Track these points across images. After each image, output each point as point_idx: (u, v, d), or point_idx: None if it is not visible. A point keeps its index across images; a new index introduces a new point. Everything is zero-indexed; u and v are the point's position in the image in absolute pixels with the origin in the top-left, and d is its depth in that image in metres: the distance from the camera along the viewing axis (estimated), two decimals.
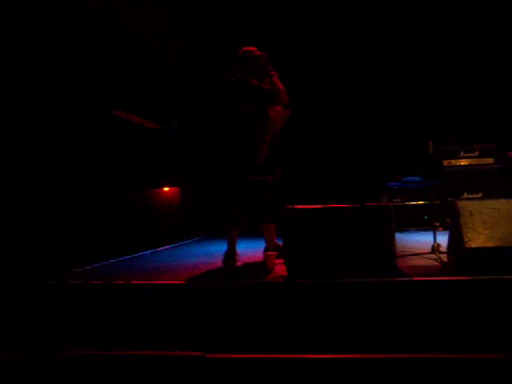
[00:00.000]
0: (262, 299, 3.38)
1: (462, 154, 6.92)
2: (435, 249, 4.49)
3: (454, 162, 6.86)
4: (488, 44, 7.79)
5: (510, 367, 2.79)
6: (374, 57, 7.90)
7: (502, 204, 3.81)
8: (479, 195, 6.61)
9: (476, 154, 7.00)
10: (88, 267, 4.67)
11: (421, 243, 5.11)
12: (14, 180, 4.50)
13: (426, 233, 5.87)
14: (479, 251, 3.56)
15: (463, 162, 6.92)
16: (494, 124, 7.50)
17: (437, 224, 6.37)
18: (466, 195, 6.61)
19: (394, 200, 6.86)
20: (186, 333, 3.34)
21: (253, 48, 4.61)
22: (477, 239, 3.60)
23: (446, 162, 6.82)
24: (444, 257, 4.17)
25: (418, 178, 6.98)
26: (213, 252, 5.50)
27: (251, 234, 4.97)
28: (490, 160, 6.97)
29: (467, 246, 3.56)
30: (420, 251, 4.68)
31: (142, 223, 6.20)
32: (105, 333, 3.37)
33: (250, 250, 5.11)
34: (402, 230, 6.54)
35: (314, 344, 3.09)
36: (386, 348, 2.91)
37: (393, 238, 3.65)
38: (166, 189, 7.25)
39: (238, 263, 4.40)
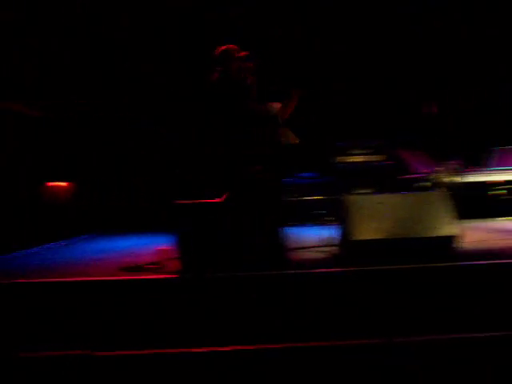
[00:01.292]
0: (152, 295, 3.34)
1: (355, 151, 7.19)
2: (327, 242, 4.63)
3: (347, 158, 7.12)
4: (373, 48, 8.13)
5: (390, 351, 2.95)
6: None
7: (386, 198, 4.01)
8: (371, 190, 6.89)
9: (368, 151, 7.30)
10: None
11: (314, 237, 5.24)
12: None
13: (321, 227, 6.05)
14: (366, 243, 3.72)
15: (356, 159, 7.20)
16: (386, 122, 7.86)
17: (330, 218, 6.62)
18: (358, 190, 6.87)
19: (291, 195, 7.01)
20: (75, 331, 3.24)
21: (233, 46, 4.68)
22: (363, 232, 3.76)
23: (339, 159, 7.06)
24: (335, 249, 4.31)
25: (313, 174, 7.18)
26: (105, 249, 5.38)
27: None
28: (382, 157, 7.31)
29: (354, 238, 3.71)
30: (313, 244, 4.80)
31: (34, 219, 5.96)
32: None
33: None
34: (297, 225, 6.69)
35: (205, 338, 3.10)
36: (275, 339, 2.97)
37: (284, 232, 3.72)
38: (61, 184, 7.00)
39: (136, 259, 4.35)
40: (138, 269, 3.95)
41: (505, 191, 7.48)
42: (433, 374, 2.89)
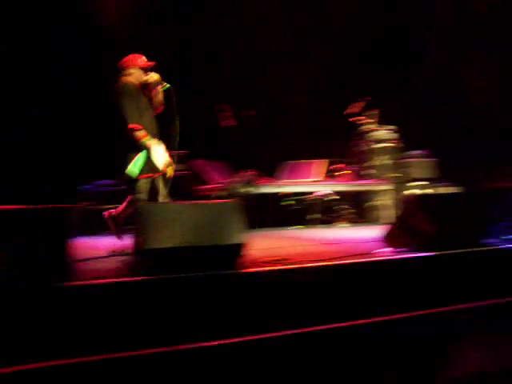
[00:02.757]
0: None
1: None
2: (121, 251, 4.53)
3: None
4: None
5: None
6: None
7: (181, 207, 4.04)
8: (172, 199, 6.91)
9: None
10: None
11: (110, 246, 5.11)
12: None
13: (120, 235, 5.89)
14: (159, 251, 3.69)
15: None
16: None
17: (128, 227, 6.49)
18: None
19: (89, 203, 6.77)
20: None
21: (139, 55, 4.98)
22: (157, 240, 3.72)
23: None
24: (129, 258, 4.22)
25: (111, 182, 7.01)
26: None
27: None
28: (181, 167, 7.39)
29: (148, 246, 3.66)
30: (107, 254, 4.67)
31: None
32: None
33: None
34: (95, 234, 6.48)
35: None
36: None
37: (75, 242, 3.54)
38: None
39: None
40: None
41: (294, 202, 8.03)
42: None
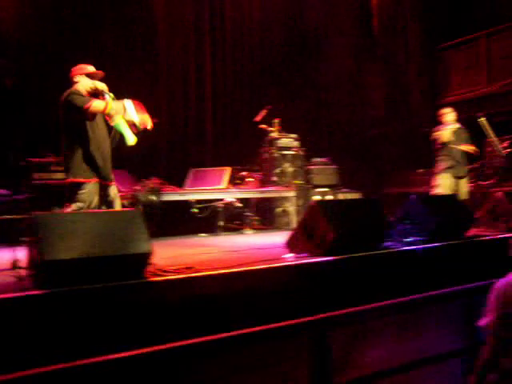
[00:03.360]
0: None
1: (54, 168, 6.92)
2: (15, 264, 4.31)
3: (45, 175, 6.81)
4: None
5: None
6: None
7: (82, 217, 3.92)
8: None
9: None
10: None
11: (4, 259, 4.85)
12: None
13: (13, 248, 5.60)
14: (59, 263, 3.54)
15: (55, 176, 6.93)
16: None
17: (25, 239, 6.20)
18: (57, 209, 6.60)
19: None
20: None
21: (87, 64, 4.96)
22: (56, 252, 3.57)
23: (36, 176, 6.72)
24: (24, 272, 4.02)
25: (5, 191, 6.68)
26: None
27: None
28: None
29: (44, 259, 3.51)
30: (5, 267, 4.43)
31: None
32: None
33: None
34: None
35: None
36: None
37: None
38: None
39: None
40: None
41: (200, 210, 8.00)
42: None
